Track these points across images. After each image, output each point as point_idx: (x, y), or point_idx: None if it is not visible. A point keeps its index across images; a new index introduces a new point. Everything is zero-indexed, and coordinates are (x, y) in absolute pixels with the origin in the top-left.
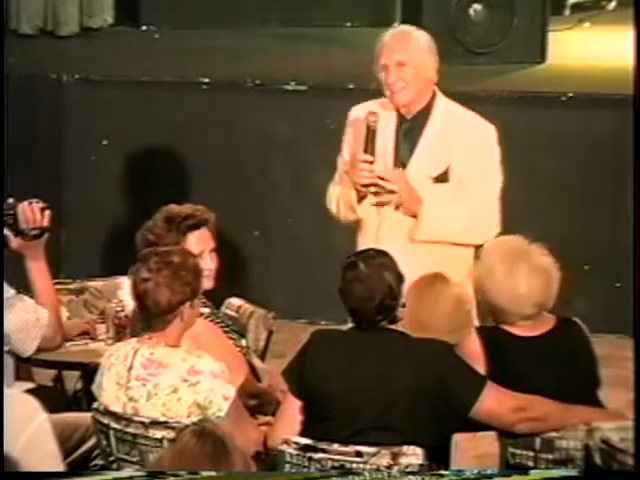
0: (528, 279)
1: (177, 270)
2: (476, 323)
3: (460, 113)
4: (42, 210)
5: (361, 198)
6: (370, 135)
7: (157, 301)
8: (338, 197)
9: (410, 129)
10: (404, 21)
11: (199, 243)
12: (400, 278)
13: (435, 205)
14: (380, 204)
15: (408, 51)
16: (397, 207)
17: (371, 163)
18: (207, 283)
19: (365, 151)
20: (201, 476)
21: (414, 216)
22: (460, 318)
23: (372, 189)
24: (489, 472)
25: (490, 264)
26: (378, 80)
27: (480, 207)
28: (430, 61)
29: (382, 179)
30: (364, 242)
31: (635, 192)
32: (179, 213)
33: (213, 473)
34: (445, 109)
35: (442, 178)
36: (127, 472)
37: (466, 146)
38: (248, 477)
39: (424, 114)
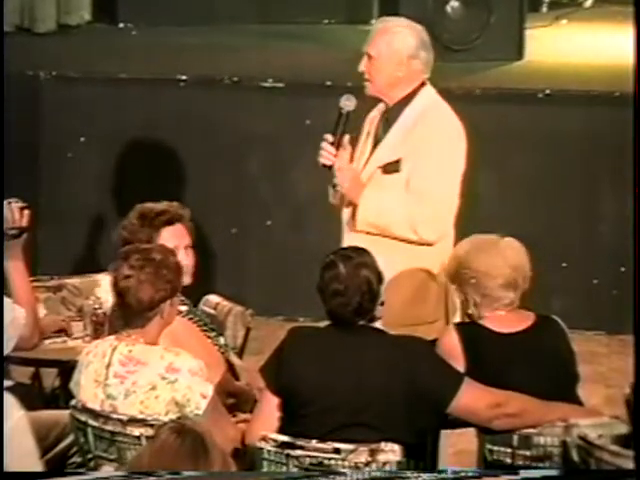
0: (505, 253)
1: (159, 267)
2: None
3: (435, 106)
4: (21, 210)
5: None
6: (339, 118)
7: (139, 298)
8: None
9: (390, 117)
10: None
11: (173, 239)
12: (380, 277)
13: (373, 195)
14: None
15: (379, 46)
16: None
17: (334, 145)
18: (184, 279)
19: (333, 134)
20: (183, 476)
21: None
22: (443, 308)
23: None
24: (467, 472)
25: (466, 249)
26: (355, 76)
27: (425, 202)
28: (403, 59)
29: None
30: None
31: (635, 193)
32: (152, 209)
33: (197, 473)
34: (426, 99)
35: (391, 169)
36: (106, 472)
37: (422, 140)
38: (232, 477)
39: (404, 103)
